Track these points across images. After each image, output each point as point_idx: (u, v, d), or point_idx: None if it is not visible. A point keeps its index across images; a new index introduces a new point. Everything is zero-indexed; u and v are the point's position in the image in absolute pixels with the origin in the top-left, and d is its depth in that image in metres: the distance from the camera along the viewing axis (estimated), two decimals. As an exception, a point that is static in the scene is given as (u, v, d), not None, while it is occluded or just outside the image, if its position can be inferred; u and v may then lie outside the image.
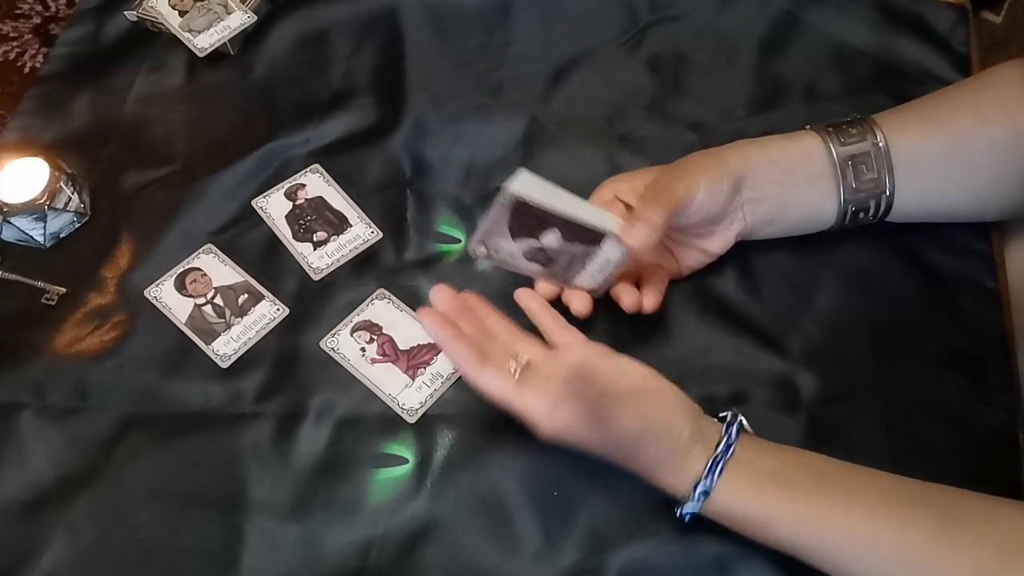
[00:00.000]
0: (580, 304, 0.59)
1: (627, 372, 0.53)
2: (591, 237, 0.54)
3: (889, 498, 0.48)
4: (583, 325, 0.58)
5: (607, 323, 0.62)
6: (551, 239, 0.54)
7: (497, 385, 0.53)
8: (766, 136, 0.61)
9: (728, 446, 0.50)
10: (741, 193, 0.59)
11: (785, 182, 0.59)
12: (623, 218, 0.55)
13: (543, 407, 0.52)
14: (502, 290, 0.64)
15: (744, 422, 0.52)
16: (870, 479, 0.50)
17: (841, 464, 0.51)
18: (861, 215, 0.61)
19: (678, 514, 0.52)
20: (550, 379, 0.53)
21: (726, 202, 0.58)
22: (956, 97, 0.61)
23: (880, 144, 0.58)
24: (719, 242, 0.61)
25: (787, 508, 0.49)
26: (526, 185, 0.51)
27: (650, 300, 0.59)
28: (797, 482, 0.50)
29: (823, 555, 0.48)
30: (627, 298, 0.59)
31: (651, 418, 0.51)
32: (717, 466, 0.50)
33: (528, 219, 0.53)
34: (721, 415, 0.53)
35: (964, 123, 0.59)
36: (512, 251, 0.56)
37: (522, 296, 0.59)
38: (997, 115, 0.58)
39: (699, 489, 0.50)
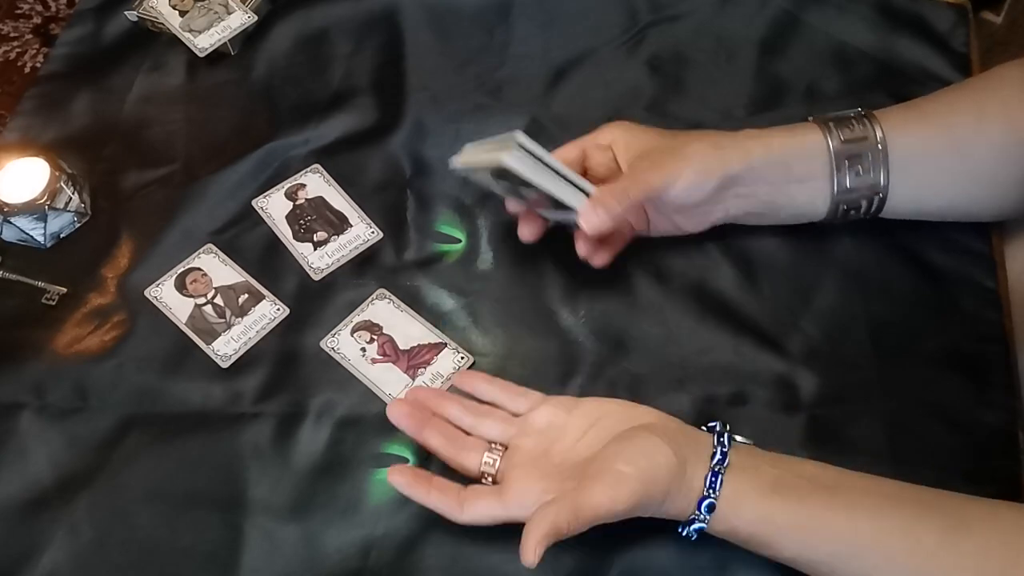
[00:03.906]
0: (528, 232, 0.62)
1: (590, 429, 0.52)
2: (564, 204, 0.56)
3: (892, 504, 0.48)
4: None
5: (607, 324, 0.62)
6: (529, 192, 0.57)
7: (483, 511, 0.51)
8: (770, 129, 0.60)
9: (723, 455, 0.49)
10: (731, 189, 0.59)
11: (779, 182, 0.59)
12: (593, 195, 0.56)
13: (532, 502, 0.49)
14: (502, 291, 0.64)
15: (737, 438, 0.51)
16: (872, 485, 0.49)
17: (841, 472, 0.50)
18: (852, 212, 0.61)
19: (683, 533, 0.51)
20: (525, 467, 0.52)
21: (708, 196, 0.58)
22: (958, 96, 0.61)
23: (879, 145, 0.58)
24: (693, 223, 0.62)
25: (791, 517, 0.48)
26: (518, 160, 0.54)
27: (600, 258, 0.61)
28: (800, 491, 0.48)
29: (830, 566, 0.48)
30: (582, 248, 0.60)
31: (638, 466, 0.48)
32: (717, 477, 0.48)
33: (512, 176, 0.55)
34: (709, 426, 0.52)
35: (964, 123, 0.59)
36: (490, 182, 0.61)
37: (464, 382, 0.58)
38: (998, 116, 0.58)
39: (703, 504, 0.49)
